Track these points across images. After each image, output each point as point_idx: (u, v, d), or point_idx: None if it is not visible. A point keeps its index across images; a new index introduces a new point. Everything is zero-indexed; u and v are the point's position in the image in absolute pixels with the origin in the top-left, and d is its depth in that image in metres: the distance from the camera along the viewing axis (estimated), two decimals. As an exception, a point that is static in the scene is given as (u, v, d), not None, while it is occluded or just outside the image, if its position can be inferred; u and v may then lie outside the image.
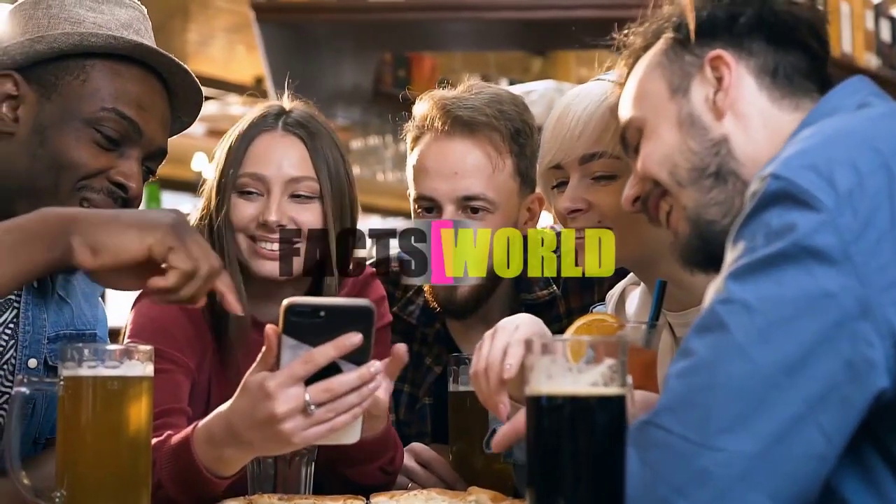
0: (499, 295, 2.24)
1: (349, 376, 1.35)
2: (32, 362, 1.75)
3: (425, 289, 2.24)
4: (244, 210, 1.98)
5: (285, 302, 1.36)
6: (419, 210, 2.20)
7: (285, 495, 1.63)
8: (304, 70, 5.03)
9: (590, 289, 2.20)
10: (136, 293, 1.97)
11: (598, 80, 1.85)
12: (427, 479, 1.98)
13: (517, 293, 2.25)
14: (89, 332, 1.88)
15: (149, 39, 1.81)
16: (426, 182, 2.16)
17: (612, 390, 1.20)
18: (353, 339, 1.35)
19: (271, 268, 1.95)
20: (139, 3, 1.83)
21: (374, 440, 1.69)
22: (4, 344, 1.75)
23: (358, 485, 1.81)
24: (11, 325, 1.76)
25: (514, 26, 4.56)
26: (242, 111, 2.08)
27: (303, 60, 4.92)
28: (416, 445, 2.05)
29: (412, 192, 2.20)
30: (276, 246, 1.96)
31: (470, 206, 2.13)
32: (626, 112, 1.56)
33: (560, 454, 1.19)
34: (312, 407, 1.35)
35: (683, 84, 1.48)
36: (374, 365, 1.37)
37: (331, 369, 1.36)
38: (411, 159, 2.21)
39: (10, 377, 1.74)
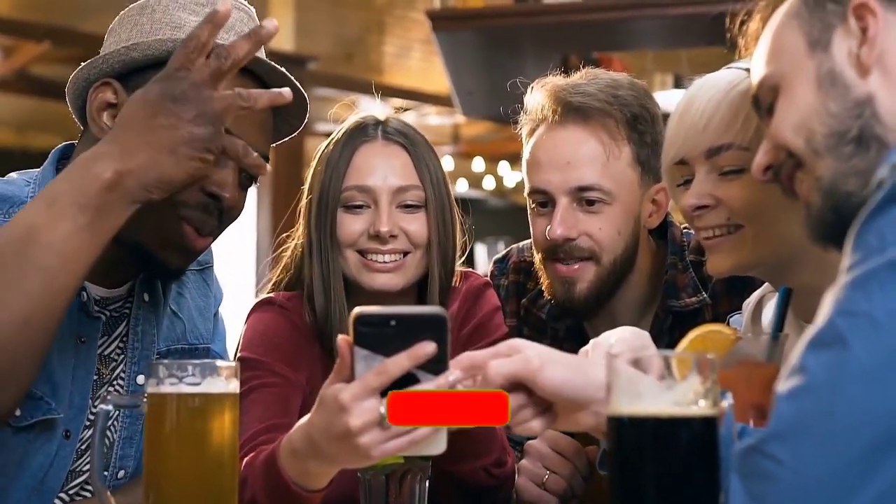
0: (635, 295, 2.13)
1: (425, 387, 1.29)
2: (140, 379, 1.75)
3: (544, 287, 2.15)
4: (352, 225, 1.93)
5: (354, 312, 1.31)
6: (533, 205, 2.12)
7: (396, 514, 1.58)
8: (486, 76, 5.00)
9: (739, 293, 2.04)
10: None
11: (730, 68, 1.70)
12: (562, 466, 1.81)
13: (664, 298, 2.12)
14: (202, 347, 1.87)
15: None
16: (538, 174, 2.08)
17: (698, 410, 1.10)
18: (427, 348, 1.28)
19: (384, 280, 1.91)
20: (246, 3, 1.76)
21: (475, 439, 1.60)
22: (116, 358, 1.76)
23: (465, 487, 1.76)
24: (124, 340, 1.77)
25: (702, 21, 4.37)
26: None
27: (483, 67, 4.89)
28: (552, 433, 1.85)
29: (526, 187, 2.12)
30: (388, 258, 1.92)
31: (585, 197, 2.05)
32: (759, 70, 1.41)
33: (641, 479, 1.11)
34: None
35: (824, 37, 1.31)
36: (454, 374, 1.30)
37: (408, 379, 1.30)
38: (525, 152, 2.13)
39: (121, 392, 1.74)
